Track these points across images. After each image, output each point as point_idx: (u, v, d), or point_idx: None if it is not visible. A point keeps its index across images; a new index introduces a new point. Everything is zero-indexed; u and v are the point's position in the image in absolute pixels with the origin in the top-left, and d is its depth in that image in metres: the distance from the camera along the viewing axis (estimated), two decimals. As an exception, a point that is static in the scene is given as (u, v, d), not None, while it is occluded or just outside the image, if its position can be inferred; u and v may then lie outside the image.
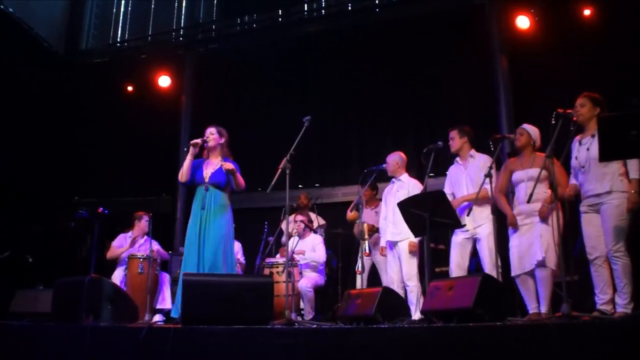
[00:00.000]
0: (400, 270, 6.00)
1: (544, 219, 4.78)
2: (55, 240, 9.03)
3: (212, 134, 5.48)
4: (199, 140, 5.39)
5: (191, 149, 5.36)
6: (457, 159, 5.76)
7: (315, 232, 7.37)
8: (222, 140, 5.53)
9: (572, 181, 4.78)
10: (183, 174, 5.38)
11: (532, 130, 5.18)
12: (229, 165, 5.29)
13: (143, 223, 7.40)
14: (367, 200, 7.24)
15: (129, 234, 7.45)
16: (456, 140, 5.68)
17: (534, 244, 4.78)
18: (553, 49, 7.94)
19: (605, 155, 3.99)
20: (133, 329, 4.37)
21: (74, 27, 11.41)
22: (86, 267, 6.66)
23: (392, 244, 6.07)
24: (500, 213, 5.15)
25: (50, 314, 5.27)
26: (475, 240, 5.42)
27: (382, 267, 6.63)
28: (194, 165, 5.43)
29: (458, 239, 5.47)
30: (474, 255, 5.56)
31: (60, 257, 8.77)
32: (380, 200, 7.17)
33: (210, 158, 5.51)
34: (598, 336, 3.12)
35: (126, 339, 4.27)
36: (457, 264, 5.42)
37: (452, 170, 5.80)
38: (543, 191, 4.78)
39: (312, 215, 7.80)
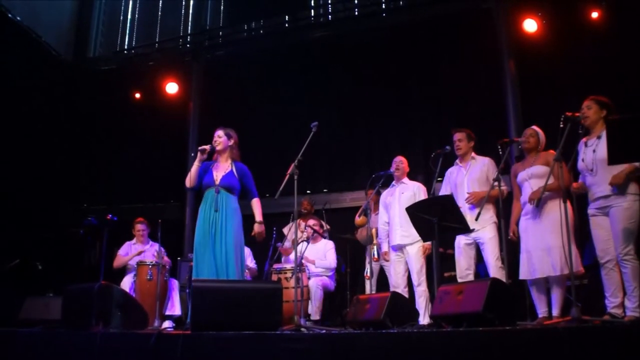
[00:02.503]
0: (405, 274, 5.99)
1: (531, 200, 4.79)
2: (65, 247, 9.05)
3: (219, 137, 5.39)
4: (207, 147, 5.30)
5: (199, 154, 5.27)
6: (457, 160, 5.79)
7: (324, 237, 7.36)
8: (231, 142, 5.43)
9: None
10: (190, 179, 5.27)
11: (541, 133, 5.19)
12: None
13: (137, 229, 7.49)
14: (373, 205, 7.22)
15: (134, 241, 7.50)
16: (464, 143, 5.70)
17: (547, 254, 4.75)
18: (561, 52, 7.92)
19: (615, 158, 3.97)
20: (143, 336, 4.39)
21: (82, 34, 11.49)
22: (96, 274, 6.67)
23: (400, 247, 6.03)
24: (506, 217, 5.14)
25: (60, 321, 5.28)
26: (478, 244, 5.42)
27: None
28: (203, 167, 5.34)
29: (460, 242, 5.47)
30: (482, 260, 5.55)
31: (70, 264, 8.79)
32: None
33: (220, 161, 5.41)
34: (608, 340, 3.11)
35: (136, 346, 4.28)
36: (464, 267, 5.42)
37: (451, 172, 5.82)
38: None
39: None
